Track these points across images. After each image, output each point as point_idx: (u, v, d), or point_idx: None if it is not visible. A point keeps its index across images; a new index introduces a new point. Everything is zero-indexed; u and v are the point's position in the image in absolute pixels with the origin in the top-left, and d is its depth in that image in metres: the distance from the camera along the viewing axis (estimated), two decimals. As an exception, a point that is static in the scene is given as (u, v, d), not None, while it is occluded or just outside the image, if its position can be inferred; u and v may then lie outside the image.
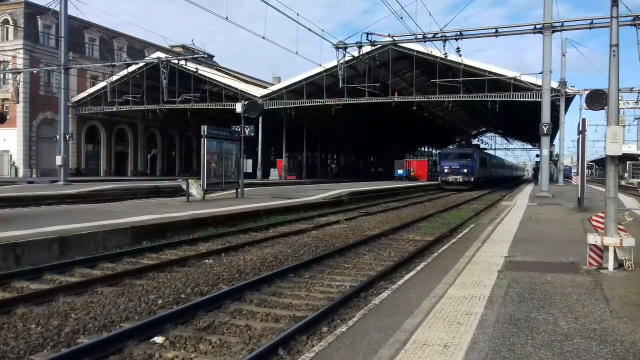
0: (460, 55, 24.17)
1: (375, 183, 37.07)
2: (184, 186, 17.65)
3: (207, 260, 8.92)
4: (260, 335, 5.22)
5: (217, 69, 53.46)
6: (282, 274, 7.72)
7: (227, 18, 18.21)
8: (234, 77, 52.36)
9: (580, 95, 33.80)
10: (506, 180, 66.88)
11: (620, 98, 16.02)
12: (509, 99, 35.24)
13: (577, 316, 4.90)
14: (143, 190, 25.10)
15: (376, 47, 28.43)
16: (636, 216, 12.42)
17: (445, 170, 40.07)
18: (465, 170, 39.09)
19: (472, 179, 39.04)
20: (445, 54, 23.38)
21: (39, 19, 43.98)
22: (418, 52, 34.82)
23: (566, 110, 36.71)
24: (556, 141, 42.71)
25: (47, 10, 33.73)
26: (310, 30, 19.30)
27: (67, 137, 29.47)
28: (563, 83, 33.68)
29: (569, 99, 35.50)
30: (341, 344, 4.17)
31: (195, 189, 17.57)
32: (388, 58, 37.45)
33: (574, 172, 37.41)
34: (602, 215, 7.49)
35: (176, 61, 34.35)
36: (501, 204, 20.87)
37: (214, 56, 68.03)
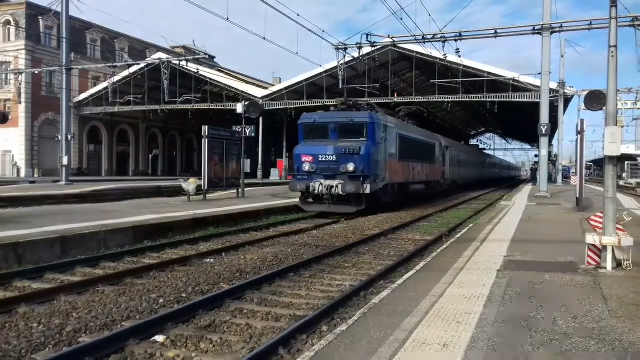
0: (459, 56, 24.18)
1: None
2: (185, 186, 17.72)
3: (208, 260, 8.95)
4: (261, 334, 5.24)
5: (218, 70, 53.47)
6: (282, 272, 7.75)
7: (227, 19, 18.23)
8: (235, 77, 52.40)
9: (579, 96, 33.89)
10: (488, 183, 49.54)
11: (618, 98, 16.06)
12: (507, 100, 35.27)
13: (575, 315, 4.93)
14: (144, 190, 25.12)
15: (376, 47, 28.40)
16: (635, 216, 12.45)
17: (305, 167, 16.54)
18: (351, 168, 15.93)
19: (367, 189, 15.94)
20: (445, 54, 23.39)
21: (40, 20, 44.00)
22: (417, 52, 34.87)
23: (565, 110, 36.80)
24: (555, 141, 42.82)
25: (49, 11, 33.72)
26: (310, 30, 19.33)
27: (69, 137, 29.48)
28: (561, 83, 33.76)
29: (567, 99, 35.58)
30: (341, 342, 4.20)
31: (195, 188, 17.64)
32: (388, 59, 37.47)
33: (572, 172, 37.39)
34: (601, 214, 7.53)
35: (177, 62, 34.36)
36: (500, 203, 20.91)
37: (214, 57, 68.09)
